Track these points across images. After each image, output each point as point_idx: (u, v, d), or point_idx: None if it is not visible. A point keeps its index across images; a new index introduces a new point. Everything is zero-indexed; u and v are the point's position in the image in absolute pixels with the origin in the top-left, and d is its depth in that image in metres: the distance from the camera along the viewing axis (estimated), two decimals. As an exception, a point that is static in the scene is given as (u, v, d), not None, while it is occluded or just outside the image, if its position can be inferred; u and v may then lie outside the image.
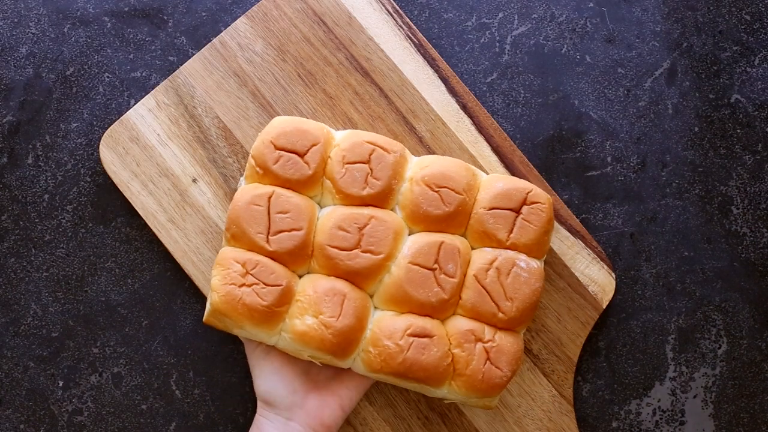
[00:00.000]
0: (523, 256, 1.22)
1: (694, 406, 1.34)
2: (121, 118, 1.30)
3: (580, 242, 1.30)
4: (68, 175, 1.33)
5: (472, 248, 1.24)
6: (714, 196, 1.35)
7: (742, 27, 1.37)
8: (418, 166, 1.24)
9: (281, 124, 1.23)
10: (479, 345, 1.19)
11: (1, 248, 1.32)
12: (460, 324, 1.21)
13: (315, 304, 1.19)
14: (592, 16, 1.36)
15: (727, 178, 1.35)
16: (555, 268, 1.31)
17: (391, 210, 1.23)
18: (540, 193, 1.23)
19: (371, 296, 1.23)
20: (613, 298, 1.31)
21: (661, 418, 1.33)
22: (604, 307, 1.30)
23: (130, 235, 1.33)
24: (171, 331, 1.32)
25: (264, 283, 1.19)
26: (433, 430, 1.30)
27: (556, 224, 1.30)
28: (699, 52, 1.37)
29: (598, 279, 1.31)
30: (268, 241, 1.20)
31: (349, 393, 1.23)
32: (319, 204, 1.24)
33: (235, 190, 1.30)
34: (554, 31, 1.36)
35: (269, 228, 1.20)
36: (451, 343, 1.20)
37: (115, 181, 1.30)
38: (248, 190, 1.22)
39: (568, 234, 1.31)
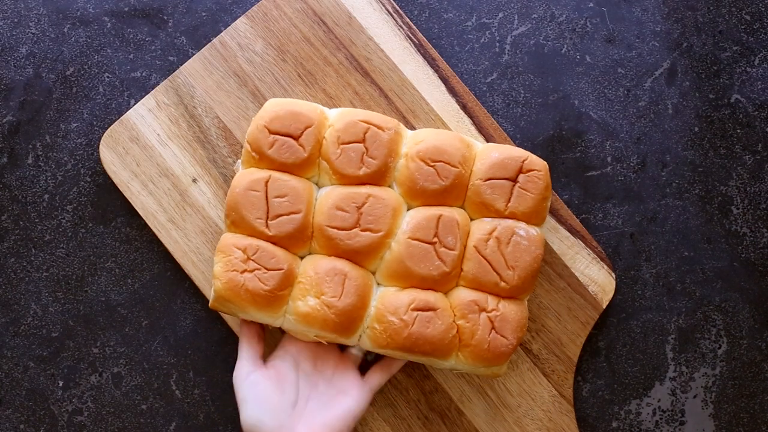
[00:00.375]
0: (522, 224, 1.22)
1: (694, 406, 1.34)
2: (121, 118, 1.30)
3: (580, 242, 1.31)
4: (68, 175, 1.33)
5: (471, 219, 1.25)
6: (714, 196, 1.35)
7: (742, 27, 1.37)
8: (412, 141, 1.24)
9: (274, 107, 1.23)
10: (483, 315, 1.20)
11: (1, 248, 1.32)
12: (463, 295, 1.22)
13: (316, 284, 1.19)
14: (592, 16, 1.36)
15: (727, 178, 1.35)
16: (555, 268, 1.31)
17: (389, 187, 1.24)
18: (536, 161, 1.24)
19: (373, 273, 1.24)
20: (613, 298, 1.31)
21: (661, 418, 1.33)
22: (604, 307, 1.30)
23: (130, 235, 1.33)
24: (171, 331, 1.32)
25: (265, 268, 1.19)
26: (433, 430, 1.30)
27: (556, 224, 1.31)
28: (699, 52, 1.37)
29: (598, 279, 1.31)
30: (267, 226, 1.21)
31: (344, 416, 1.21)
32: (317, 184, 1.25)
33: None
34: (554, 31, 1.36)
35: (268, 213, 1.21)
36: (455, 315, 1.21)
37: (115, 181, 1.30)
38: (245, 175, 1.22)
39: (568, 234, 1.31)
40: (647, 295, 1.34)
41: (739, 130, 1.36)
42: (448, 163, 1.22)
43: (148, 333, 1.32)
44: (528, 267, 1.21)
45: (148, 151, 1.30)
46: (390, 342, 1.20)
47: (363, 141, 1.22)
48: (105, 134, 1.30)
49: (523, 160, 1.23)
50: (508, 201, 1.22)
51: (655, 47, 1.36)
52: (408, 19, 1.32)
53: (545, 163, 1.24)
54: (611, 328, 1.34)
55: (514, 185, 1.23)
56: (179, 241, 1.29)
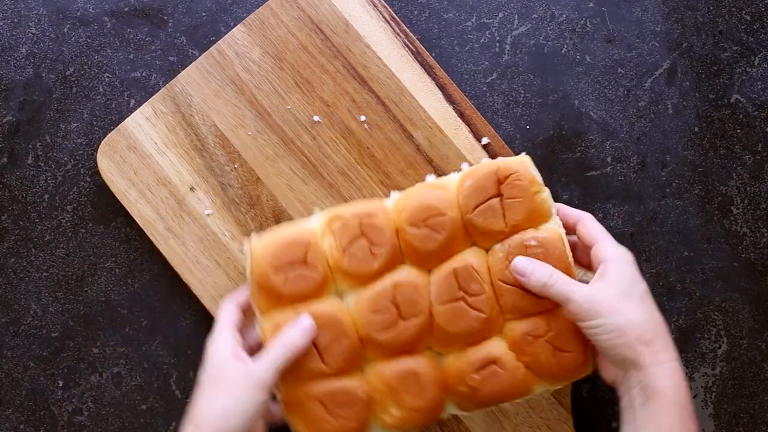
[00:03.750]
0: (529, 233, 1.20)
1: (694, 406, 1.33)
2: (119, 126, 1.30)
3: (579, 248, 1.30)
4: (68, 175, 1.33)
5: (487, 249, 1.23)
6: (714, 196, 1.35)
7: (742, 27, 1.37)
8: (395, 213, 1.22)
9: (267, 248, 1.21)
10: (540, 341, 1.19)
11: (1, 248, 1.33)
12: (515, 330, 1.20)
13: (392, 393, 1.20)
14: (592, 16, 1.36)
15: (727, 178, 1.35)
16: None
17: (403, 264, 1.23)
18: (509, 163, 1.21)
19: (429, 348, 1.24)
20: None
21: (660, 419, 1.33)
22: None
23: (130, 235, 1.33)
24: (171, 331, 1.33)
25: (346, 407, 1.19)
26: (432, 437, 1.30)
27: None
28: (699, 52, 1.36)
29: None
30: (326, 363, 1.19)
31: None
32: (337, 292, 1.24)
33: (233, 199, 1.30)
34: (554, 31, 1.36)
35: (320, 355, 1.20)
36: (516, 354, 1.20)
37: (113, 189, 1.30)
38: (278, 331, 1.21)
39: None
40: (647, 295, 1.34)
41: (739, 130, 1.36)
42: (437, 215, 1.20)
43: (148, 333, 1.33)
44: (559, 269, 1.19)
45: (146, 160, 1.30)
46: (472, 405, 1.21)
47: (362, 235, 1.21)
48: (102, 143, 1.30)
49: (497, 170, 1.20)
50: (505, 217, 1.21)
51: (655, 47, 1.36)
52: (405, 27, 1.31)
53: (521, 159, 1.22)
54: (611, 328, 1.34)
55: (501, 200, 1.21)
56: (177, 250, 1.29)
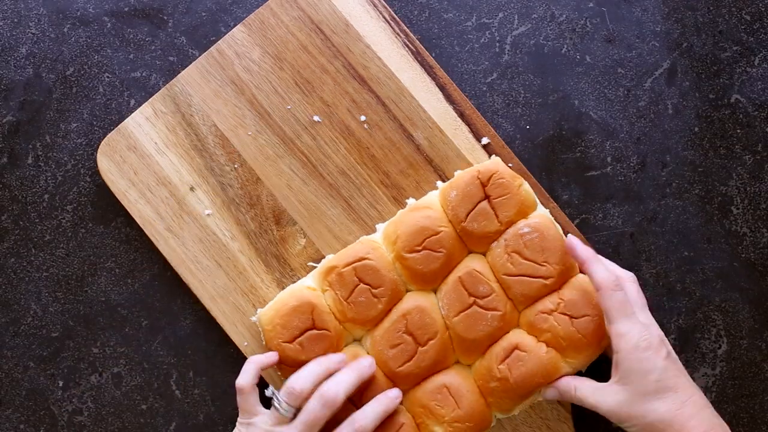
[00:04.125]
0: (521, 223, 1.23)
1: (694, 406, 1.34)
2: (119, 126, 1.30)
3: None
4: (68, 175, 1.33)
5: (483, 253, 1.26)
6: (714, 196, 1.35)
7: (742, 27, 1.36)
8: (388, 242, 1.25)
9: (275, 321, 1.23)
10: (554, 315, 1.21)
11: (1, 248, 1.33)
12: (529, 316, 1.23)
13: (430, 412, 1.22)
14: (592, 16, 1.36)
15: (727, 178, 1.35)
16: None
17: (406, 291, 1.26)
18: (487, 165, 1.25)
19: (456, 362, 1.26)
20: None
21: (660, 419, 1.33)
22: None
23: (130, 235, 1.33)
24: (171, 331, 1.32)
25: None
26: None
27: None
28: (699, 52, 1.36)
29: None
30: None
31: None
32: (353, 336, 1.26)
33: (233, 199, 1.30)
34: (554, 31, 1.36)
35: (356, 406, 1.22)
36: (535, 335, 1.22)
37: (113, 189, 1.30)
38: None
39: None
40: (647, 295, 1.32)
41: (739, 130, 1.35)
42: (432, 234, 1.23)
43: (148, 333, 1.33)
44: (557, 250, 1.22)
45: (146, 160, 1.30)
46: (512, 401, 1.23)
47: (360, 281, 1.23)
48: (102, 143, 1.30)
49: (478, 175, 1.23)
50: (497, 216, 1.23)
51: (655, 47, 1.36)
52: (405, 27, 1.31)
53: (496, 158, 1.26)
54: (611, 328, 1.34)
55: (489, 201, 1.23)
56: (177, 250, 1.29)
